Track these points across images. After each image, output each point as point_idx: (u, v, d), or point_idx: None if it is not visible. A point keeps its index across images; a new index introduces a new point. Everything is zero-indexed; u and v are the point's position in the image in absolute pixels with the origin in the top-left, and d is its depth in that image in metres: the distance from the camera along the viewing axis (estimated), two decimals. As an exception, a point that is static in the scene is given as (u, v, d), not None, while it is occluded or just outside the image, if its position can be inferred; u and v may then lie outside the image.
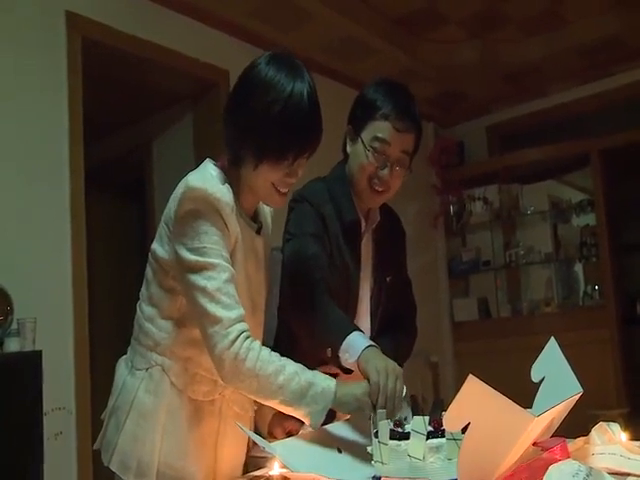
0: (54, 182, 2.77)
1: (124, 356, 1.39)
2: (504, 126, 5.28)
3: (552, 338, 1.13)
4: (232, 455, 1.37)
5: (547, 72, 4.65)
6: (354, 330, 1.38)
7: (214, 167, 1.32)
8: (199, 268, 1.23)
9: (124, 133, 4.50)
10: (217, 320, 1.21)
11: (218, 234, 1.25)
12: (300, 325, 1.50)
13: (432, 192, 5.27)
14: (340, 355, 1.35)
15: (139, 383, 1.30)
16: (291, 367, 1.23)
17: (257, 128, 1.25)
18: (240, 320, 1.22)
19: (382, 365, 1.28)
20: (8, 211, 2.57)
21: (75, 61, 2.90)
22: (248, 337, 1.22)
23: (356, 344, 1.34)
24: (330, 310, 1.45)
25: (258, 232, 1.41)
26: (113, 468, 1.28)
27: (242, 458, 1.41)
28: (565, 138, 4.83)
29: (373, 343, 1.36)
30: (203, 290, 1.22)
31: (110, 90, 3.71)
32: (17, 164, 2.65)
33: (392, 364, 1.30)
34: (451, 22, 3.97)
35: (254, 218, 1.41)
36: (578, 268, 5.06)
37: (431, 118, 5.28)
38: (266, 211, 1.51)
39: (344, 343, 1.35)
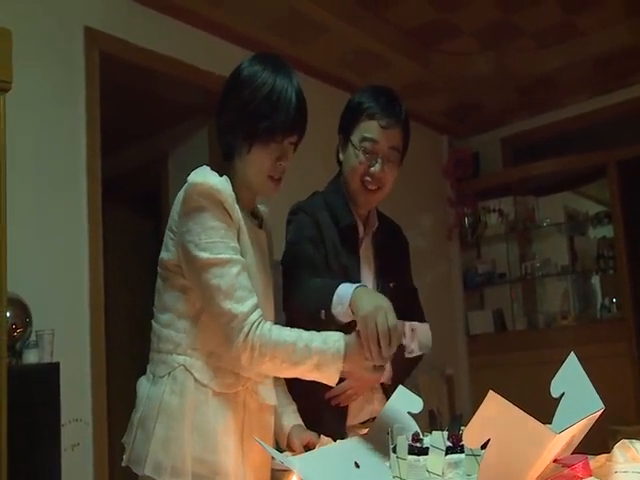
0: (72, 195, 2.80)
1: (144, 375, 1.40)
2: (519, 137, 5.26)
3: (572, 353, 1.12)
4: (259, 446, 1.36)
5: (562, 83, 4.64)
6: (338, 285, 1.37)
7: (209, 168, 1.37)
8: (211, 265, 1.27)
9: (140, 146, 4.54)
10: (233, 317, 1.26)
11: (224, 227, 1.30)
12: (298, 311, 1.50)
13: (447, 204, 5.26)
14: (334, 312, 1.35)
15: (163, 388, 1.32)
16: (301, 339, 1.28)
17: (246, 112, 1.34)
18: (254, 309, 1.28)
19: (370, 303, 1.27)
20: (26, 224, 2.60)
21: (93, 75, 2.94)
22: (260, 323, 1.27)
23: (344, 292, 1.34)
24: (316, 280, 1.48)
25: (260, 227, 1.48)
26: (148, 473, 1.28)
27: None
28: (581, 149, 4.80)
29: (360, 284, 1.35)
30: (217, 289, 1.26)
31: (127, 103, 3.76)
32: (35, 177, 2.68)
33: (379, 299, 1.29)
34: (464, 34, 3.99)
35: (254, 214, 1.48)
36: (595, 280, 5.00)
37: (445, 130, 5.28)
38: (265, 216, 1.57)
39: (334, 298, 1.35)
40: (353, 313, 1.31)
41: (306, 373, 1.29)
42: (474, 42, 4.08)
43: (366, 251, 1.73)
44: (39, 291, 2.51)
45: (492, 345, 4.99)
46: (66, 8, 2.89)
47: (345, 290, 1.35)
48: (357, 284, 1.35)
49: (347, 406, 1.62)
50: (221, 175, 1.33)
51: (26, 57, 2.68)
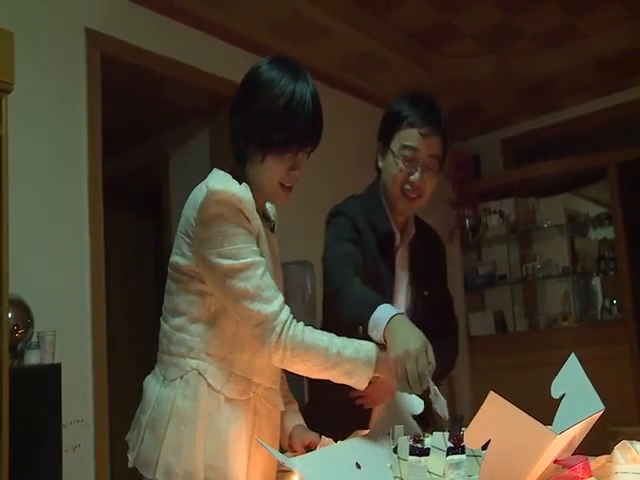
0: (73, 195, 2.81)
1: (150, 374, 1.39)
2: (520, 139, 5.27)
3: (573, 354, 1.12)
4: (266, 451, 1.34)
5: (562, 85, 4.64)
6: (378, 305, 1.36)
7: (224, 172, 1.35)
8: (236, 271, 1.26)
9: (141, 148, 4.54)
10: (262, 318, 1.26)
11: (245, 232, 1.29)
12: (338, 316, 1.49)
13: (448, 206, 5.26)
14: (370, 334, 1.35)
15: (175, 392, 1.30)
16: (333, 345, 1.28)
17: (263, 121, 1.32)
18: (282, 307, 1.28)
19: (402, 346, 1.25)
20: (27, 225, 2.60)
21: (94, 76, 2.95)
22: (292, 323, 1.27)
23: (381, 317, 1.33)
24: (359, 290, 1.46)
25: (272, 230, 1.48)
26: (159, 477, 1.28)
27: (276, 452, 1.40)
28: (582, 151, 4.81)
29: (395, 312, 1.33)
30: (244, 292, 1.26)
31: (127, 105, 3.76)
32: (36, 178, 2.68)
33: (412, 339, 1.26)
34: (466, 36, 3.99)
35: (265, 215, 1.47)
36: (596, 282, 5.00)
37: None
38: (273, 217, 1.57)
39: (371, 320, 1.34)
40: (386, 342, 1.31)
41: (337, 377, 1.30)
42: (475, 44, 4.09)
43: (402, 259, 1.72)
44: (40, 292, 2.51)
45: (493, 346, 4.99)
46: (67, 10, 2.89)
47: (382, 315, 1.33)
48: (393, 312, 1.33)
49: (370, 411, 1.60)
50: (240, 182, 1.31)
51: (28, 59, 2.69)
